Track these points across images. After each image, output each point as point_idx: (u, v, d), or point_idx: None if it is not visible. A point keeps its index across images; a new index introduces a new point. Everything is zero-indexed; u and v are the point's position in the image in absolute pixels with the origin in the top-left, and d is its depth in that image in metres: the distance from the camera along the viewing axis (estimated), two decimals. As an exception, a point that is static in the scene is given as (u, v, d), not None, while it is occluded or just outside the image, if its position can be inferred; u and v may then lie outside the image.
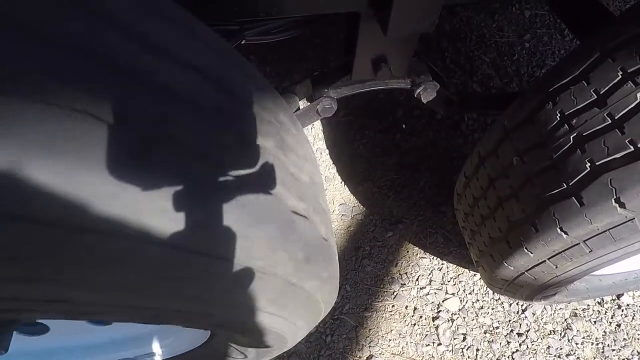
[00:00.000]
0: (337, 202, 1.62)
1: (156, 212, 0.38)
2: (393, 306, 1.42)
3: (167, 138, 0.39)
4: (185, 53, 0.46)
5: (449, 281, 1.46)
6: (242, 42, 1.05)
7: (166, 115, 0.40)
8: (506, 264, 0.91)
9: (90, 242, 0.36)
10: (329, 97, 1.07)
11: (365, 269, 1.48)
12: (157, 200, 0.37)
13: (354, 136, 1.76)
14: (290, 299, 0.60)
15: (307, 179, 0.58)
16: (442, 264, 1.50)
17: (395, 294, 1.44)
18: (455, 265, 1.49)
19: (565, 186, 0.72)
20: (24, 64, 0.32)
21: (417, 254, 1.52)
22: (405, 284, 1.46)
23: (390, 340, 1.37)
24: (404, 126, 1.79)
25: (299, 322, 0.69)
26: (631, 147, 0.64)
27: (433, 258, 1.51)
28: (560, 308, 1.42)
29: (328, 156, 1.73)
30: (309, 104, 1.12)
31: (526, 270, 0.89)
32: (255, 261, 0.48)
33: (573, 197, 0.71)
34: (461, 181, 1.06)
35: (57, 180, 0.31)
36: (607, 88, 0.69)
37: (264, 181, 0.48)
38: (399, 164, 1.70)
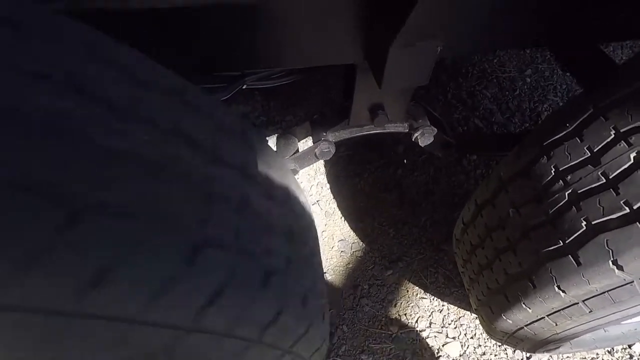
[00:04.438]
0: (337, 238, 1.61)
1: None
2: (391, 349, 1.38)
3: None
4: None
5: (449, 324, 1.42)
6: (243, 87, 1.08)
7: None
8: (504, 317, 0.88)
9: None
10: (327, 140, 1.08)
11: (364, 309, 1.45)
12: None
13: (355, 171, 1.77)
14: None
15: (283, 231, 0.57)
16: (443, 305, 1.46)
17: (393, 336, 1.40)
18: (456, 307, 1.45)
19: (562, 243, 0.70)
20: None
21: (417, 294, 1.48)
22: (404, 326, 1.42)
23: (388, 386, 1.32)
24: (405, 162, 1.79)
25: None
26: (627, 208, 0.63)
27: (433, 299, 1.47)
28: (568, 357, 1.36)
29: (329, 191, 1.73)
30: (308, 146, 1.13)
31: (525, 325, 0.86)
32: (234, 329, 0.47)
33: (570, 256, 0.69)
34: (459, 227, 1.05)
35: None
36: (600, 146, 0.68)
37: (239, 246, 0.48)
38: (400, 200, 1.69)
